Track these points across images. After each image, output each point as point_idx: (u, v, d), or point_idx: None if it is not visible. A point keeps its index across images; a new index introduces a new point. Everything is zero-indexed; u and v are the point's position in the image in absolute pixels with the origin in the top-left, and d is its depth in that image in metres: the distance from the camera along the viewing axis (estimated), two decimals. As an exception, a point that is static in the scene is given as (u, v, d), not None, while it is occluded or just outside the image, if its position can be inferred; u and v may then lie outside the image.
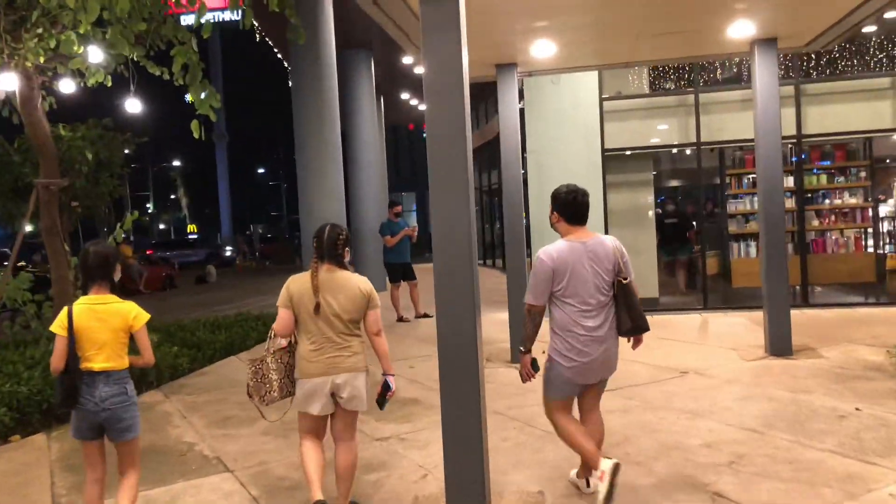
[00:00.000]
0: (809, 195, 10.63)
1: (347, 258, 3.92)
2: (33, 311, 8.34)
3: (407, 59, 18.49)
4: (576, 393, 3.96)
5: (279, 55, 19.21)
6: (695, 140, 10.59)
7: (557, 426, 3.96)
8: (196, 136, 6.63)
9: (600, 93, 10.71)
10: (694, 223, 11.53)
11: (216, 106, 6.85)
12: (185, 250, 41.21)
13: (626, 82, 11.08)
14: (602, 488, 3.65)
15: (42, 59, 6.95)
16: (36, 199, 7.40)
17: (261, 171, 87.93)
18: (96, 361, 3.53)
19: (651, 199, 11.30)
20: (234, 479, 4.91)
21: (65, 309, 3.58)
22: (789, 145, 10.33)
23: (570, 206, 3.88)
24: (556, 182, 10.68)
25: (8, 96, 7.58)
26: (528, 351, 3.90)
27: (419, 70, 17.43)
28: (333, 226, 3.94)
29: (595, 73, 10.65)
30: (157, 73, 8.10)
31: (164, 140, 51.20)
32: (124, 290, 21.48)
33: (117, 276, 3.68)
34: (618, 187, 11.05)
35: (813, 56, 10.46)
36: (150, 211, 64.49)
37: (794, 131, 10.17)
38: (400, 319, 11.25)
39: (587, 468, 4.00)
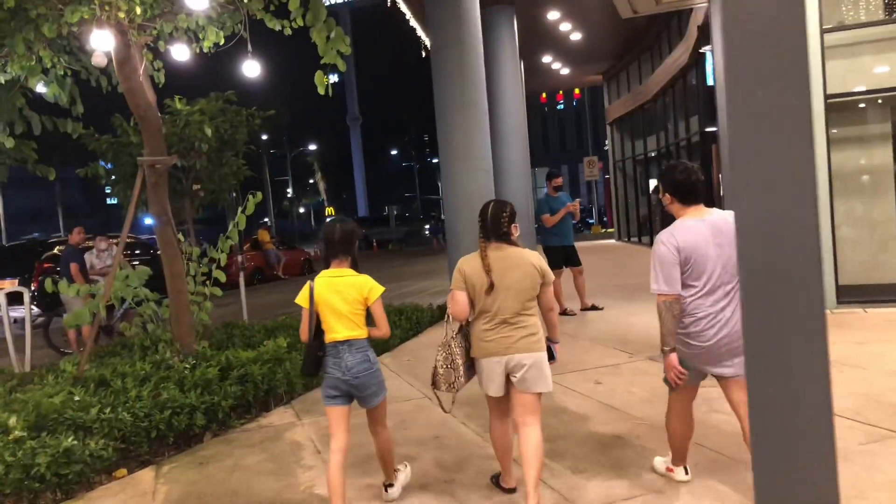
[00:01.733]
0: None
1: (516, 234, 3.77)
2: (151, 311, 7.26)
3: (553, 14, 16.50)
4: (697, 380, 3.75)
5: (412, 20, 17.77)
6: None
7: (669, 409, 3.90)
8: (321, 91, 5.13)
9: (821, 23, 8.32)
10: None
11: (345, 52, 5.33)
12: (385, 227, 46.04)
13: (850, 9, 8.59)
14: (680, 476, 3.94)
15: (139, 10, 5.69)
16: (142, 181, 6.20)
17: (393, 152, 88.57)
18: (339, 332, 3.71)
19: (890, 156, 8.79)
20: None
21: (308, 283, 3.75)
22: None
23: (685, 186, 3.63)
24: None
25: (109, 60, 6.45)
26: (673, 349, 3.59)
27: (566, 27, 15.08)
28: (497, 202, 3.81)
29: (815, -2, 8.27)
30: (278, 27, 6.82)
31: (302, 126, 51.92)
32: (263, 277, 21.08)
33: (356, 250, 3.87)
34: (844, 143, 8.64)
35: None
36: (289, 196, 66.27)
37: None
38: (564, 313, 9.46)
39: (676, 458, 4.00)
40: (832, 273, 8.42)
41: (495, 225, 3.69)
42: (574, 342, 7.81)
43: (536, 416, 3.69)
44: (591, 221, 39.66)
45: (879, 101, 8.67)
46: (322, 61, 5.28)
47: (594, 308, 9.72)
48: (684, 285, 3.53)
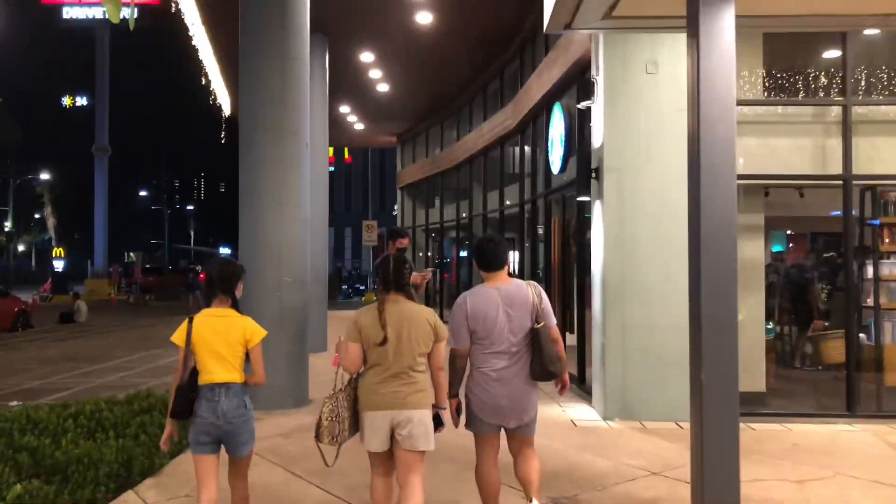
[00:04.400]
0: None
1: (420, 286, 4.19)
2: None
3: (366, 56, 14.73)
4: (491, 431, 4.01)
5: (196, 36, 14.91)
6: (840, 171, 7.44)
7: (477, 459, 4.10)
8: (114, 19, 2.63)
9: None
10: (824, 289, 8.34)
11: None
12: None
13: (743, 80, 7.82)
14: None
15: None
16: None
17: (142, 193, 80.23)
18: (216, 374, 3.63)
19: (760, 250, 8.05)
20: None
21: (186, 320, 3.71)
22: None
23: (480, 254, 4.04)
24: (645, 213, 7.27)
25: None
26: (455, 395, 4.01)
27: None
28: (396, 255, 3.87)
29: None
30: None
31: (35, 149, 44.50)
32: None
33: (239, 292, 3.83)
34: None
35: None
36: (7, 229, 56.40)
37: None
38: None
39: None
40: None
41: (398, 276, 3.72)
42: (437, 467, 5.63)
43: (419, 475, 3.71)
44: (362, 288, 37.88)
45: (754, 188, 7.91)
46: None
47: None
48: (475, 343, 3.92)
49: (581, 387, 9.05)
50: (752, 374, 7.81)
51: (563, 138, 9.55)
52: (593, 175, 7.73)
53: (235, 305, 3.77)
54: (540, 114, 11.33)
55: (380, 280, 3.76)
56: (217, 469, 3.70)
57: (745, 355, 7.74)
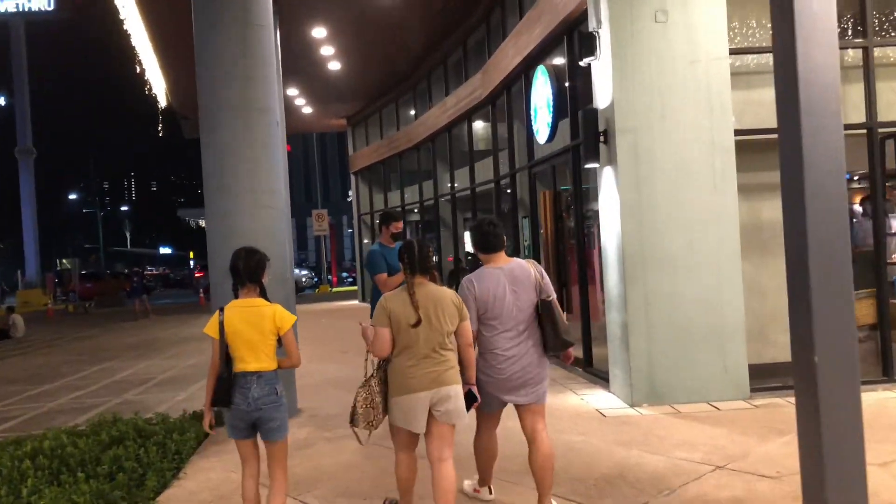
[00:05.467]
0: None
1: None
2: None
3: (318, 31, 13.69)
4: (498, 408, 4.20)
5: (127, 18, 13.60)
6: (864, 120, 6.92)
7: (476, 434, 4.33)
8: None
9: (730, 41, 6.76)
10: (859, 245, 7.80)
11: None
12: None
13: (755, 27, 7.20)
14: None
15: None
16: None
17: (72, 196, 76.46)
18: (249, 362, 3.70)
19: (778, 210, 7.47)
20: None
21: (217, 312, 3.74)
22: None
23: (479, 237, 4.16)
24: (662, 176, 6.56)
25: None
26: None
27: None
28: (421, 241, 3.95)
29: (722, 8, 6.70)
30: None
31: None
32: None
33: (266, 280, 3.83)
34: (747, 191, 7.12)
35: None
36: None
37: None
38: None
39: (482, 480, 4.45)
40: (744, 352, 6.72)
41: (423, 260, 3.84)
42: (460, 467, 4.87)
43: (451, 449, 3.88)
44: (315, 280, 36.68)
45: (763, 143, 7.34)
46: None
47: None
48: (485, 325, 4.05)
49: (588, 369, 8.42)
50: (776, 344, 7.28)
51: (551, 103, 8.83)
52: (601, 139, 7.03)
53: (264, 294, 3.78)
54: (517, 80, 10.58)
55: (406, 264, 3.84)
56: (256, 448, 3.83)
57: (769, 324, 7.25)
